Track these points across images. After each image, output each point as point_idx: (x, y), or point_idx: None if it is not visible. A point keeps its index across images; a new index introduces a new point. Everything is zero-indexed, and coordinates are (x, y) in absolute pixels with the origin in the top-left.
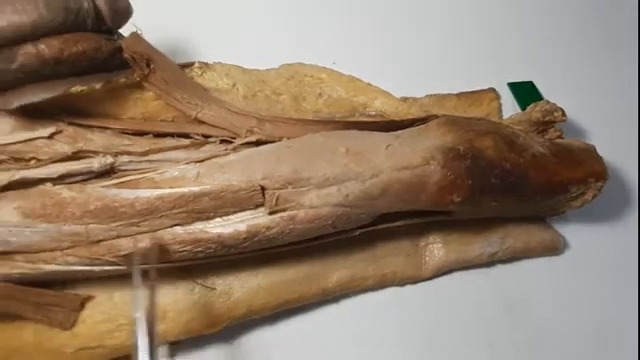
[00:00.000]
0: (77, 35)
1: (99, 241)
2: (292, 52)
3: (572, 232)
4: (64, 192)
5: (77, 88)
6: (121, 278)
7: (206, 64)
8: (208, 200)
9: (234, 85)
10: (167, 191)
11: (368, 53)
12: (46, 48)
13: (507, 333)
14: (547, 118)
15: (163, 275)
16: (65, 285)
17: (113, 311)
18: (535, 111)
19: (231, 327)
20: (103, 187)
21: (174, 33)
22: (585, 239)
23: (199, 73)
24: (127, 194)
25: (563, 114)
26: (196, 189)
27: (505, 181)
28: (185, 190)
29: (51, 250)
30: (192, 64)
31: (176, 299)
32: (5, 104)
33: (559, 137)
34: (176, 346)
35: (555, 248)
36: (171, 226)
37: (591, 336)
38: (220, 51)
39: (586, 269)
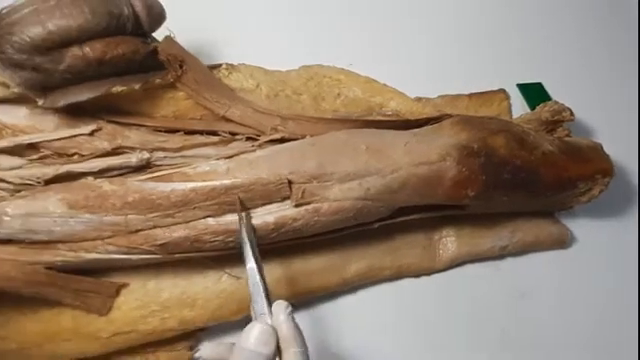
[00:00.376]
0: (118, 38)
1: (137, 231)
2: (311, 54)
3: (579, 226)
4: (105, 185)
5: (118, 88)
6: (154, 267)
7: (232, 65)
8: (239, 192)
9: (258, 85)
10: (200, 184)
11: (383, 55)
12: (90, 50)
13: (517, 321)
14: (556, 117)
15: (193, 265)
16: (101, 274)
17: (146, 298)
18: (544, 111)
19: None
20: (140, 181)
21: (200, 36)
22: (592, 233)
23: (226, 74)
24: (163, 187)
25: (571, 114)
26: (228, 182)
27: (516, 177)
28: (217, 183)
29: (92, 239)
30: (219, 66)
31: (205, 287)
32: (53, 103)
33: (567, 136)
34: (203, 332)
35: (563, 242)
36: (204, 217)
37: (596, 324)
38: (243, 53)
39: (592, 262)
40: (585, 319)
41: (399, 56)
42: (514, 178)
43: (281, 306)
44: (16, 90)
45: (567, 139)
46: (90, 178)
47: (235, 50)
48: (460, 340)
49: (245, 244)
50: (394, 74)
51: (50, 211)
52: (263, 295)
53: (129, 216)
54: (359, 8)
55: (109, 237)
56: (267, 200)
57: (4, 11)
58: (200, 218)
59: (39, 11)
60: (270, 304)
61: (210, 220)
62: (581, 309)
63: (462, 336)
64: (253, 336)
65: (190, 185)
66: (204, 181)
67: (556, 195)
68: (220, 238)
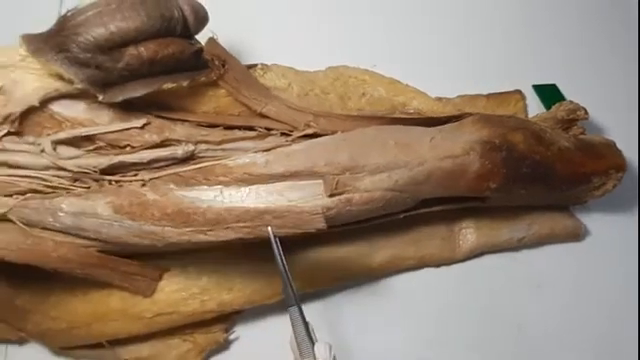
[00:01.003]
0: (168, 39)
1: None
2: (336, 55)
3: (593, 220)
4: (149, 194)
5: (168, 84)
6: (194, 253)
7: (266, 66)
8: (271, 219)
9: (289, 85)
10: (235, 205)
11: (405, 57)
12: (145, 50)
13: (533, 309)
14: (571, 116)
15: (233, 251)
16: (145, 258)
17: (187, 281)
18: (560, 110)
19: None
20: (182, 193)
21: (237, 38)
22: (605, 227)
23: (261, 74)
24: (200, 203)
25: (585, 112)
26: (261, 207)
27: (535, 171)
28: (251, 207)
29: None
30: (255, 65)
31: (241, 273)
32: (111, 98)
33: (582, 133)
34: (238, 315)
35: (577, 234)
36: (234, 239)
37: (608, 314)
38: (275, 54)
39: (605, 254)
40: (597, 309)
41: (420, 58)
42: (533, 172)
43: (325, 348)
44: (79, 86)
45: (582, 137)
46: (137, 184)
47: (268, 51)
48: (478, 327)
49: (286, 286)
50: (415, 75)
51: (98, 213)
52: (307, 339)
53: (166, 228)
54: (382, 13)
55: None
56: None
57: (69, 14)
58: (231, 239)
59: (102, 14)
60: (312, 342)
61: (250, 208)
62: (594, 299)
63: (480, 323)
64: None
65: (225, 206)
66: (238, 203)
67: (571, 189)
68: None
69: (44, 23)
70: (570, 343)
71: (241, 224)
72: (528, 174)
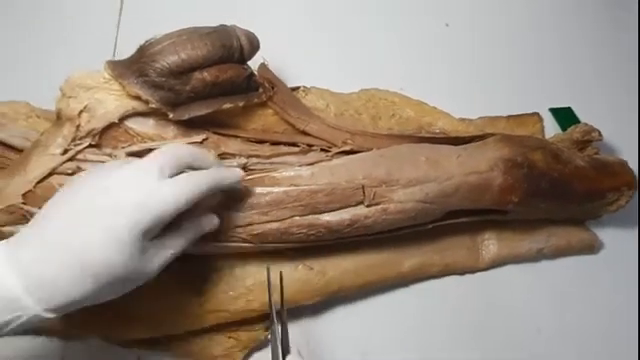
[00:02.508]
0: (226, 65)
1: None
2: (368, 79)
3: (607, 234)
4: None
5: (227, 105)
6: (240, 256)
7: (307, 88)
8: (322, 196)
9: (327, 105)
10: (290, 188)
11: (430, 81)
12: (208, 75)
13: (552, 317)
14: (586, 137)
15: (274, 255)
16: (194, 261)
17: (236, 282)
18: (576, 131)
19: (322, 301)
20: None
21: (282, 63)
22: (618, 240)
23: (303, 95)
24: (260, 190)
25: (599, 134)
26: (315, 187)
27: (553, 187)
28: (305, 187)
29: None
30: (298, 88)
31: (283, 275)
32: (180, 116)
33: (596, 154)
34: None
35: (592, 247)
36: (291, 217)
37: (625, 323)
38: (315, 77)
39: (619, 266)
40: (610, 317)
41: (444, 81)
42: (551, 187)
43: None
44: (153, 106)
45: (596, 156)
46: None
47: (307, 75)
48: (499, 334)
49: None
50: (440, 97)
51: None
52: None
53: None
54: (410, 41)
55: None
56: (344, 204)
57: (147, 43)
58: (287, 217)
59: (176, 44)
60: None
61: (297, 218)
62: (608, 307)
63: (502, 328)
64: None
65: (282, 189)
66: (292, 185)
67: (587, 204)
68: (304, 231)
69: (101, 45)
70: (586, 347)
71: (297, 203)
72: (547, 189)
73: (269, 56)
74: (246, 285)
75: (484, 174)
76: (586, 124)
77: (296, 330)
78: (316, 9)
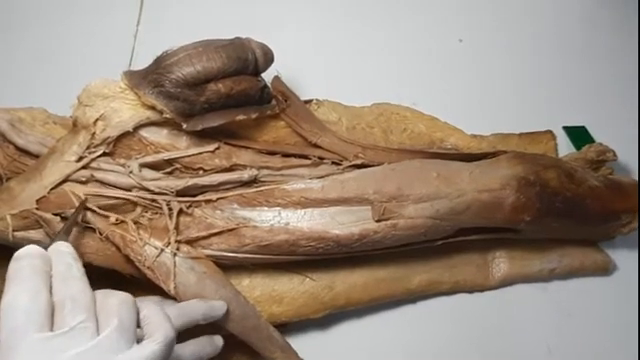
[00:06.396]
0: (240, 77)
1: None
2: (380, 93)
3: (620, 255)
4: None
5: (240, 116)
6: (248, 268)
7: (320, 101)
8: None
9: (339, 119)
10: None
11: (443, 96)
12: (222, 86)
13: (563, 334)
14: (600, 157)
15: (281, 268)
16: None
17: (244, 293)
18: (590, 151)
19: (329, 315)
20: (244, 213)
21: (294, 76)
22: (630, 261)
23: (315, 108)
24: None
25: (614, 155)
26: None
27: (567, 206)
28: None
29: (208, 237)
30: (311, 101)
31: (291, 287)
32: (194, 126)
33: (610, 174)
34: (284, 328)
35: (606, 269)
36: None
37: (637, 344)
38: (327, 90)
39: (631, 287)
40: (622, 339)
41: (456, 96)
42: (565, 207)
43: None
44: (168, 116)
45: (610, 177)
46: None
47: (320, 88)
48: (509, 353)
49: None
50: (452, 112)
51: None
52: None
53: None
54: (422, 55)
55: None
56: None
57: (164, 54)
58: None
59: (191, 56)
60: None
61: (305, 228)
62: (619, 330)
63: (510, 347)
64: None
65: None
66: (303, 198)
67: (601, 224)
68: (313, 244)
69: (118, 56)
70: None
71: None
72: (560, 209)
73: (282, 69)
74: (254, 296)
75: (496, 192)
76: (601, 144)
77: (301, 345)
78: (330, 23)
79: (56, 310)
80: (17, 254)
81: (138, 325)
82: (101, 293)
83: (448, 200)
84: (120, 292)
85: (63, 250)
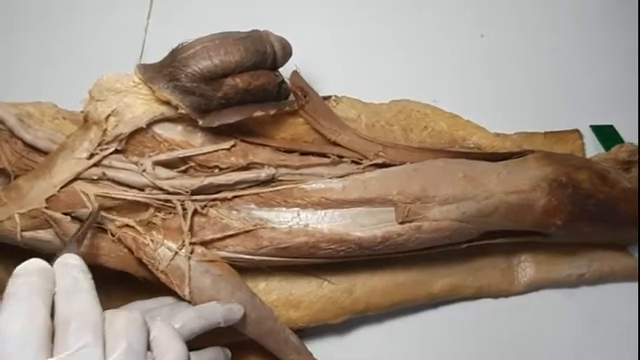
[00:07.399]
0: (258, 72)
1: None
2: (399, 90)
3: None
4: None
5: (258, 112)
6: (264, 271)
7: (338, 97)
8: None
9: (359, 116)
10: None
11: (464, 93)
12: (240, 81)
13: (590, 342)
14: (632, 158)
15: (299, 271)
16: None
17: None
18: (621, 151)
19: (348, 321)
20: (261, 213)
21: (312, 71)
22: None
23: (334, 105)
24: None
25: None
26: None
27: (600, 209)
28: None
29: (224, 239)
30: (330, 97)
31: (309, 291)
32: (210, 122)
33: None
34: (301, 332)
35: (636, 274)
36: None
37: None
38: (344, 87)
39: None
40: None
41: (478, 93)
42: (598, 210)
43: None
44: (184, 111)
45: None
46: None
47: (338, 84)
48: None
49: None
50: (473, 110)
51: None
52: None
53: None
54: (442, 51)
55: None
56: (375, 220)
57: (179, 47)
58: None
59: (208, 49)
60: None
61: (326, 230)
62: None
63: (537, 357)
64: None
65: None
66: (324, 199)
67: (633, 229)
68: (334, 247)
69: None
70: None
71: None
72: (593, 212)
73: (299, 64)
74: (270, 300)
75: (525, 194)
76: (632, 143)
77: (318, 351)
78: (348, 17)
79: (59, 329)
80: (16, 271)
81: (148, 347)
82: (109, 313)
83: (475, 202)
84: (129, 311)
85: (70, 263)
